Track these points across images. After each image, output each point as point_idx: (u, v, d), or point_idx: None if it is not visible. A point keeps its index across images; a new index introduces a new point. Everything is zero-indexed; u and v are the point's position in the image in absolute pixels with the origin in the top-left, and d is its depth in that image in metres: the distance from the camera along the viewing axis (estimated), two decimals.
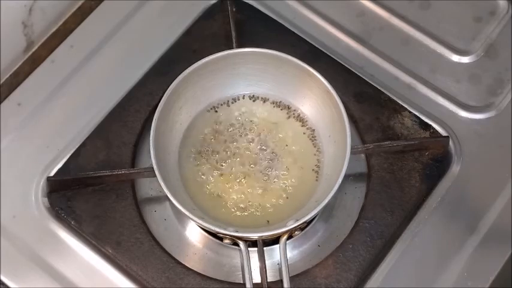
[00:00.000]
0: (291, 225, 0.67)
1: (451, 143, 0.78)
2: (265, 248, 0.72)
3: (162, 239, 0.74)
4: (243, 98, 0.76)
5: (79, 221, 0.73)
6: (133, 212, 0.74)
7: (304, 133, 0.75)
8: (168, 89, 0.71)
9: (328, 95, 0.71)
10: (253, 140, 0.75)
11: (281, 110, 0.76)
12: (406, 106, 0.79)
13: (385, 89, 0.80)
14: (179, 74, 0.71)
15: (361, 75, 0.81)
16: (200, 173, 0.73)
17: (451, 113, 0.80)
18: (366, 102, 0.79)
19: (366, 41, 0.84)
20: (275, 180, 0.73)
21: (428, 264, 0.73)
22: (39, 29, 0.82)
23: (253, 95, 0.76)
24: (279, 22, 0.84)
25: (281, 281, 0.68)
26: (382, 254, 0.73)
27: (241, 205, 0.72)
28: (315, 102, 0.74)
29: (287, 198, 0.72)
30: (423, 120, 0.78)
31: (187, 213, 0.66)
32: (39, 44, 0.83)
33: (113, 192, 0.74)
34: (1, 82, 0.80)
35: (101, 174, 0.74)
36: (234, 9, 0.82)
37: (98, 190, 0.74)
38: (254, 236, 0.70)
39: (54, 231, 0.74)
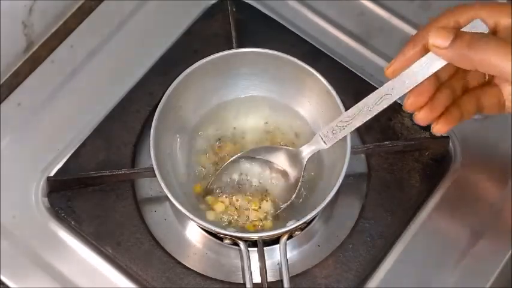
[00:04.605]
0: (291, 225, 0.67)
1: (451, 143, 0.78)
2: (265, 248, 0.72)
3: (162, 239, 0.74)
4: (243, 98, 0.76)
5: (79, 221, 0.73)
6: (134, 212, 0.74)
7: (304, 133, 0.75)
8: (168, 89, 0.71)
9: (328, 95, 0.71)
10: (253, 139, 0.75)
11: (281, 110, 0.76)
12: None
13: None
14: (179, 74, 0.71)
15: (361, 75, 0.81)
16: (200, 173, 0.74)
17: None
18: None
19: (366, 41, 0.84)
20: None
21: (428, 264, 0.73)
22: (39, 29, 0.82)
23: (253, 95, 0.76)
24: (279, 22, 0.84)
25: (281, 281, 0.68)
26: (382, 254, 0.73)
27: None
28: (315, 102, 0.74)
29: (286, 198, 0.72)
30: None
31: (187, 213, 0.66)
32: (39, 44, 0.83)
33: (113, 192, 0.74)
34: (1, 82, 0.80)
35: (101, 174, 0.74)
36: (234, 9, 0.82)
37: (98, 190, 0.74)
38: (254, 236, 0.70)
39: (54, 231, 0.74)
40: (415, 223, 0.75)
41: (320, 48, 0.82)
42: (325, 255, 0.72)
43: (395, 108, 0.78)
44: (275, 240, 0.72)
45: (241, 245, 0.69)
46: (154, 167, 0.68)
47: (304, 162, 0.70)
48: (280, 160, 0.72)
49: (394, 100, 0.63)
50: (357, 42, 0.84)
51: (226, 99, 0.76)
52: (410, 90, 0.61)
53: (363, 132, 0.77)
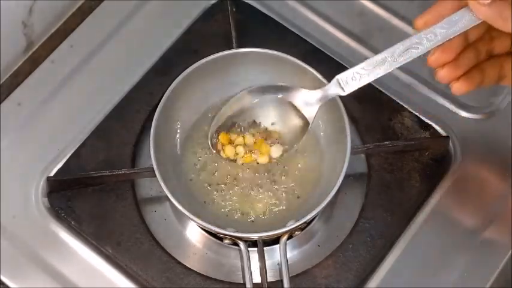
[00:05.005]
0: (291, 225, 0.67)
1: (451, 143, 0.78)
2: (265, 248, 0.72)
3: (162, 239, 0.74)
4: (243, 97, 0.76)
5: (79, 221, 0.73)
6: (134, 212, 0.74)
7: (303, 133, 0.75)
8: (168, 89, 0.71)
9: None
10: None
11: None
12: (406, 106, 0.79)
13: (385, 89, 0.80)
14: (179, 74, 0.72)
15: None
16: (200, 173, 0.74)
17: (451, 113, 0.80)
18: (366, 102, 0.79)
19: (366, 41, 0.84)
20: (275, 180, 0.73)
21: (428, 264, 0.73)
22: (39, 29, 0.82)
23: (253, 95, 0.76)
24: (279, 22, 0.84)
25: (281, 281, 0.68)
26: (382, 254, 0.73)
27: (242, 205, 0.72)
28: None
29: (287, 198, 0.72)
30: (423, 120, 0.78)
31: (187, 213, 0.66)
32: (39, 44, 0.83)
33: (113, 192, 0.74)
34: (1, 82, 0.80)
35: (101, 174, 0.74)
36: (234, 9, 0.82)
37: (98, 190, 0.74)
38: (254, 236, 0.70)
39: (54, 231, 0.74)
40: (415, 223, 0.75)
41: (320, 48, 0.82)
42: (325, 255, 0.72)
43: (396, 108, 0.79)
44: (275, 240, 0.72)
45: (241, 245, 0.69)
46: (155, 167, 0.68)
47: (318, 106, 0.68)
48: (294, 99, 0.70)
49: (420, 54, 0.61)
50: (357, 42, 0.84)
51: (226, 99, 0.76)
52: (437, 45, 0.59)
53: (363, 132, 0.77)
